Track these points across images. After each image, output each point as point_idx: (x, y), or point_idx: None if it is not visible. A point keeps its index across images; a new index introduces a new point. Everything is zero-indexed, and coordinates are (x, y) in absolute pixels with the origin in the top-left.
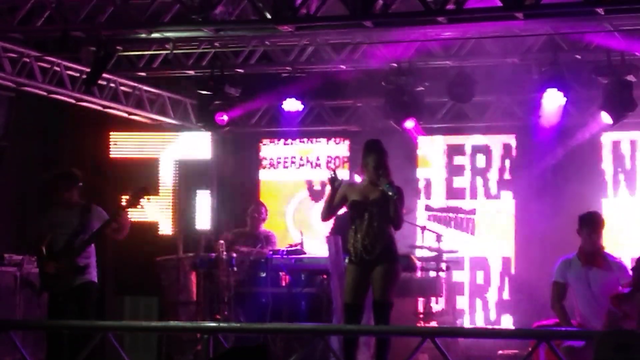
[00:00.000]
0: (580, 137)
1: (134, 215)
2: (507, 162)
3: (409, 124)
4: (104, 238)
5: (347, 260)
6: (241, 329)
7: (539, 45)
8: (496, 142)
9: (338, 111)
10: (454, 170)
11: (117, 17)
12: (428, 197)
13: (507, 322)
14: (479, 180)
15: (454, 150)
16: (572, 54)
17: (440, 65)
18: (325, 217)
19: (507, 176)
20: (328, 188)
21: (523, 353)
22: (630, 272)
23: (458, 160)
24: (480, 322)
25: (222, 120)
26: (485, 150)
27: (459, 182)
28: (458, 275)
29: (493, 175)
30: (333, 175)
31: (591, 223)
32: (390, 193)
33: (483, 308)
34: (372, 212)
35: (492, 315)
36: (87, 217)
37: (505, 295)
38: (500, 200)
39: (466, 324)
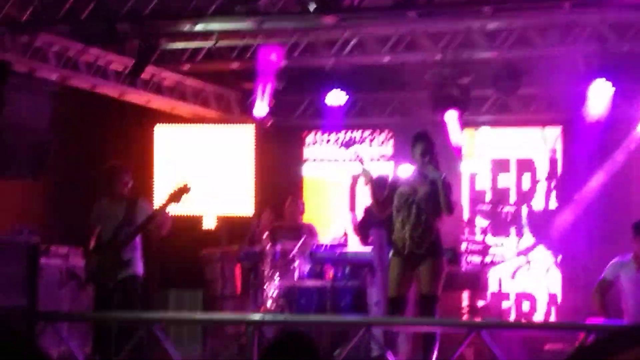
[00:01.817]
0: (629, 129)
1: (178, 209)
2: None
3: (451, 116)
4: (148, 233)
5: (390, 253)
6: (286, 321)
7: (586, 35)
8: (541, 153)
9: (381, 104)
10: (499, 167)
11: (161, 9)
12: (473, 190)
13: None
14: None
15: (498, 146)
16: (620, 43)
17: (485, 57)
18: (381, 211)
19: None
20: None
21: (569, 348)
22: None
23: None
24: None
25: (263, 114)
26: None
27: (504, 179)
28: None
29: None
30: (363, 167)
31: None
32: (436, 176)
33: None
34: (420, 204)
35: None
36: (133, 211)
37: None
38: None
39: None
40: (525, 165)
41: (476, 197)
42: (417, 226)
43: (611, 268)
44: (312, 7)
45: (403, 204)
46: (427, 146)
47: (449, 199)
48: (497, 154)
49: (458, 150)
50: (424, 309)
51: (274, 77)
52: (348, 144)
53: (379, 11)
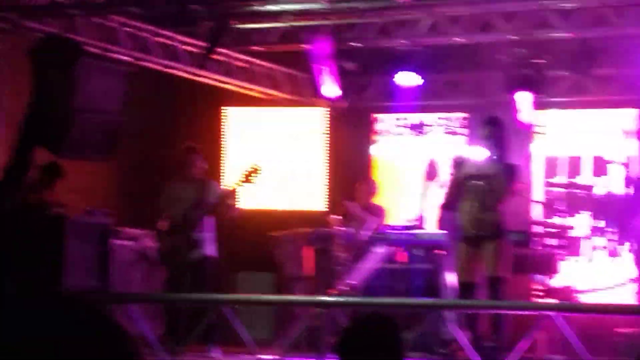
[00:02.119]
0: None
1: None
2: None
3: (525, 97)
4: (218, 214)
5: (458, 237)
6: (359, 302)
7: None
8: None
9: (454, 85)
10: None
11: None
12: (546, 172)
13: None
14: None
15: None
16: None
17: (560, 36)
18: (448, 207)
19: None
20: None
21: None
22: None
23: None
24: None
25: (334, 95)
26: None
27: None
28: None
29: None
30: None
31: None
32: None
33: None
34: (485, 187)
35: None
36: (204, 192)
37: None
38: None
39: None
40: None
41: (550, 179)
42: (482, 209)
43: None
44: None
45: (470, 186)
46: (492, 131)
47: (503, 190)
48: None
49: (531, 131)
50: (491, 291)
51: (332, 60)
52: (416, 127)
53: None
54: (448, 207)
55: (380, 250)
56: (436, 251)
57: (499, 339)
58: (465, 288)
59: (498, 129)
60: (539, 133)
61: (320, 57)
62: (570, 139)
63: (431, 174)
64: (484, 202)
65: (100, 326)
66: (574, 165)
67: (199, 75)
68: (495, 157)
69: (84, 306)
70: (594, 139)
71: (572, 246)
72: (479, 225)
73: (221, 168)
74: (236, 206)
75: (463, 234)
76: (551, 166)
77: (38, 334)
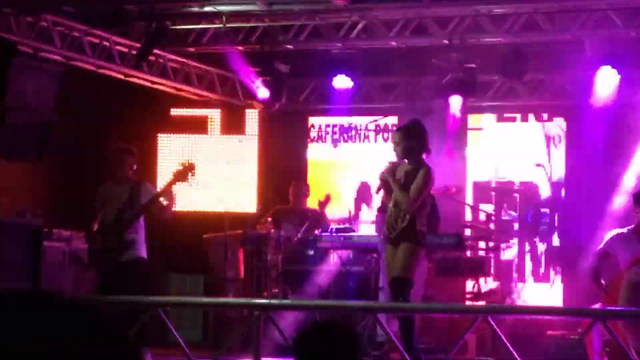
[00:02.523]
0: (632, 116)
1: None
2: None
3: (455, 101)
4: (152, 215)
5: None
6: (293, 305)
7: (593, 21)
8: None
9: (387, 88)
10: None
11: None
12: (478, 175)
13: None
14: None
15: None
16: (628, 30)
17: (492, 42)
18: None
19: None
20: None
21: (572, 334)
22: None
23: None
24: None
25: (265, 97)
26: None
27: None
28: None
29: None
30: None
31: None
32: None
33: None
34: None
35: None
36: (136, 193)
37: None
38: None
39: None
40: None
41: (481, 183)
42: (394, 212)
43: (608, 240)
44: None
45: (386, 191)
46: (404, 136)
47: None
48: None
49: (462, 135)
50: (393, 292)
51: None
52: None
53: None
54: (383, 210)
55: (312, 253)
56: (369, 253)
57: (408, 340)
58: (391, 286)
59: (411, 135)
60: (469, 136)
61: (237, 63)
62: (499, 144)
63: (363, 196)
64: (396, 205)
65: (100, 328)
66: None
67: (133, 76)
68: (409, 162)
69: (82, 309)
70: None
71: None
72: (392, 227)
73: (156, 169)
74: (169, 207)
75: (386, 236)
76: (480, 168)
77: (34, 336)
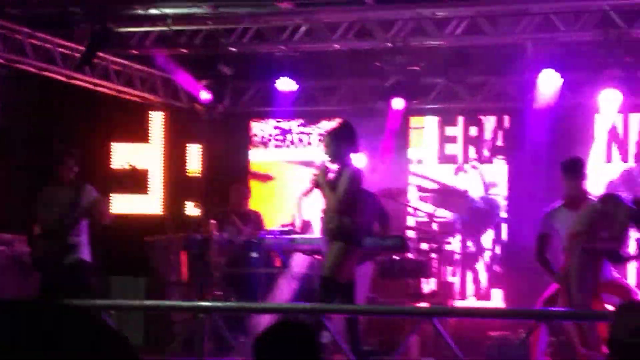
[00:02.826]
0: (574, 118)
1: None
2: (500, 134)
3: (398, 103)
4: (92, 219)
5: None
6: (238, 308)
7: (534, 24)
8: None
9: (331, 91)
10: (446, 140)
11: None
12: (420, 177)
13: (497, 296)
14: (471, 149)
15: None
16: (569, 33)
17: (435, 44)
18: None
19: (500, 143)
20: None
21: (513, 335)
22: None
23: (450, 131)
24: (470, 296)
25: (207, 99)
26: (478, 122)
27: (451, 149)
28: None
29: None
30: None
31: (572, 168)
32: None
33: (474, 281)
34: (329, 194)
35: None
36: (79, 196)
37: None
38: (493, 165)
39: (457, 303)
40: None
41: (424, 184)
42: (326, 212)
43: (543, 222)
44: None
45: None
46: (332, 139)
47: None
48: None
49: (405, 137)
50: (321, 290)
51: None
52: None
53: None
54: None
55: (256, 255)
56: (313, 256)
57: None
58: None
59: (339, 137)
60: (411, 138)
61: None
62: (440, 138)
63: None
64: (328, 207)
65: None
66: (447, 155)
67: (75, 79)
68: (338, 164)
69: (79, 313)
70: (466, 132)
71: (446, 251)
72: (326, 228)
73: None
74: (108, 212)
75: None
76: (423, 170)
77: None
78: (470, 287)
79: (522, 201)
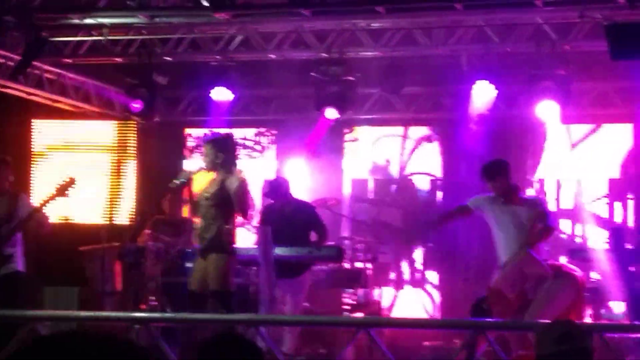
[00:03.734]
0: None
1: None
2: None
3: (331, 113)
4: (29, 230)
5: None
6: (174, 319)
7: (469, 36)
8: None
9: (266, 101)
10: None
11: (50, 2)
12: (357, 188)
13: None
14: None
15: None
16: (504, 45)
17: (370, 55)
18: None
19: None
20: None
21: (447, 345)
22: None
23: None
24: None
25: (136, 108)
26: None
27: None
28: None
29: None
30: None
31: (489, 170)
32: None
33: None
34: (206, 203)
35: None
36: (14, 206)
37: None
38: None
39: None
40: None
41: (358, 195)
42: (203, 223)
43: (475, 199)
44: (206, 2)
45: (199, 204)
46: (212, 149)
47: (240, 203)
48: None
49: (340, 148)
50: (215, 304)
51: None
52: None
53: (272, 8)
54: (264, 222)
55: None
56: (248, 266)
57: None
58: (196, 298)
59: (221, 148)
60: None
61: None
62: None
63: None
64: (207, 218)
65: None
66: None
67: (8, 87)
68: (218, 174)
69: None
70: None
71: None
72: (201, 239)
73: (31, 181)
74: (47, 222)
75: (198, 248)
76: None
77: None
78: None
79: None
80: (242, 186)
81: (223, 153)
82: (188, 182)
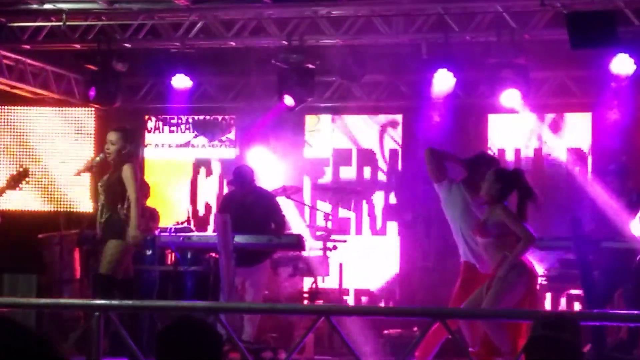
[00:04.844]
0: (467, 118)
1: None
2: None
3: (290, 101)
4: None
5: None
6: (134, 306)
7: (429, 24)
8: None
9: (226, 88)
10: (341, 156)
11: None
12: (317, 176)
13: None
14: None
15: (341, 131)
16: (463, 34)
17: (331, 43)
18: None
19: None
20: None
21: (407, 332)
22: None
23: (344, 143)
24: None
25: (91, 95)
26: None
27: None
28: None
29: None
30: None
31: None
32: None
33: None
34: (104, 191)
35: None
36: None
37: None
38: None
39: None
40: (367, 157)
41: (318, 184)
42: (100, 211)
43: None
44: None
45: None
46: (120, 137)
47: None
48: (339, 144)
49: (300, 136)
50: (95, 288)
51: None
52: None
53: None
54: (221, 209)
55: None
56: (207, 253)
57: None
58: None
59: (128, 138)
60: (309, 137)
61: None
62: (337, 146)
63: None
64: (103, 205)
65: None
66: (342, 173)
67: None
68: (116, 162)
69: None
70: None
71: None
72: (100, 226)
73: None
74: None
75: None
76: (318, 166)
77: None
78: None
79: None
80: (132, 172)
81: (128, 143)
82: (91, 169)
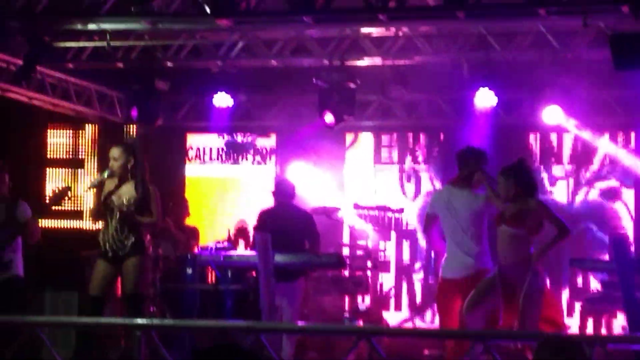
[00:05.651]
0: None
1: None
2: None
3: (331, 119)
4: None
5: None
6: (174, 326)
7: (471, 43)
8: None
9: (267, 107)
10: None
11: (53, 7)
12: (356, 194)
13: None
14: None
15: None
16: (505, 52)
17: (372, 63)
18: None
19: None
20: None
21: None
22: None
23: (385, 156)
24: (405, 307)
25: (134, 115)
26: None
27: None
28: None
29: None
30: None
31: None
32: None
33: (408, 291)
34: (123, 208)
35: (418, 298)
36: (13, 211)
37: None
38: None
39: (392, 317)
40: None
41: (359, 202)
42: (119, 228)
43: (430, 203)
44: (208, 9)
45: (107, 206)
46: (123, 152)
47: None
48: (379, 157)
49: (341, 155)
50: (130, 308)
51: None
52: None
53: (274, 15)
54: (259, 227)
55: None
56: (247, 272)
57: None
58: (96, 303)
59: (131, 153)
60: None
61: None
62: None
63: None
64: (122, 222)
65: None
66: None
67: (10, 91)
68: (129, 179)
69: None
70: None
71: (382, 267)
72: (123, 245)
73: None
74: (38, 232)
75: (101, 252)
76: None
77: None
78: (404, 299)
79: None
80: (155, 193)
81: (132, 158)
82: (99, 185)
